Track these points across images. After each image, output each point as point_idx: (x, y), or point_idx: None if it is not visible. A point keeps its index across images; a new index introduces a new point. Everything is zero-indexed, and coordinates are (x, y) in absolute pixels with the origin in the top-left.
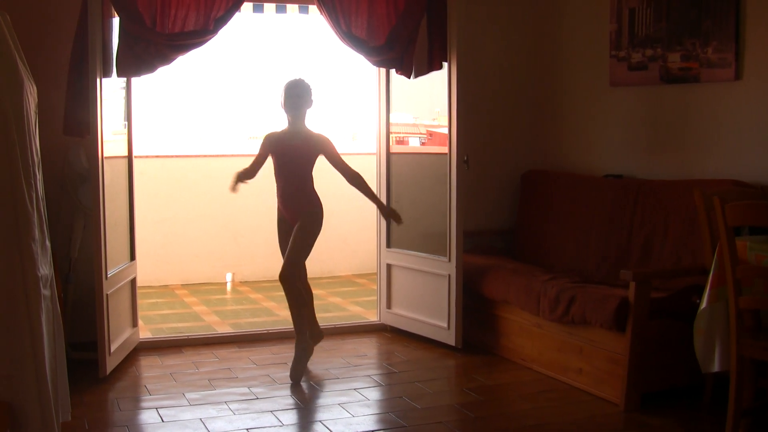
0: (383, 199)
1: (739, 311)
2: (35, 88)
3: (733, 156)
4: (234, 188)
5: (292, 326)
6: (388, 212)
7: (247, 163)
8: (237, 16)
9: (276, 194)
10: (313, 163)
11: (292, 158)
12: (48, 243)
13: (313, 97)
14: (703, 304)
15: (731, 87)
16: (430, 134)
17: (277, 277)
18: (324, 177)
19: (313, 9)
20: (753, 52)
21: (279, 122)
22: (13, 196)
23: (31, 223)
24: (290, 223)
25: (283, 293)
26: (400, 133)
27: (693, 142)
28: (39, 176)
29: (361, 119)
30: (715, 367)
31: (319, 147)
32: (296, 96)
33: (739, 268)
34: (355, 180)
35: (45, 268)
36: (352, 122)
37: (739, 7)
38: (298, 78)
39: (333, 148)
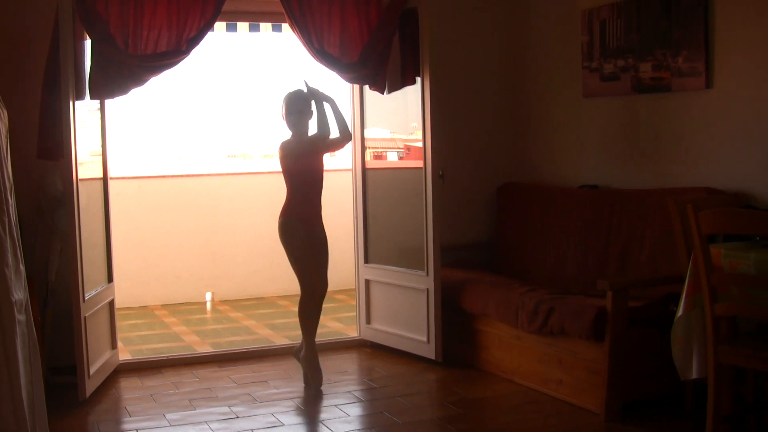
0: (359, 215)
1: (716, 318)
2: (6, 112)
3: (706, 164)
4: None
5: (271, 344)
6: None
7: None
8: (210, 35)
9: (293, 201)
10: (322, 164)
11: (304, 165)
12: (22, 267)
13: (312, 107)
14: (680, 312)
15: (702, 95)
16: (408, 148)
17: (257, 295)
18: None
19: (287, 27)
20: (723, 61)
21: (256, 141)
22: None
23: (3, 249)
24: (306, 228)
25: (263, 311)
26: (378, 147)
27: (667, 151)
28: (12, 201)
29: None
30: (694, 374)
31: (320, 141)
32: (297, 113)
33: (714, 276)
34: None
35: (19, 293)
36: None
37: (708, 17)
38: (297, 90)
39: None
